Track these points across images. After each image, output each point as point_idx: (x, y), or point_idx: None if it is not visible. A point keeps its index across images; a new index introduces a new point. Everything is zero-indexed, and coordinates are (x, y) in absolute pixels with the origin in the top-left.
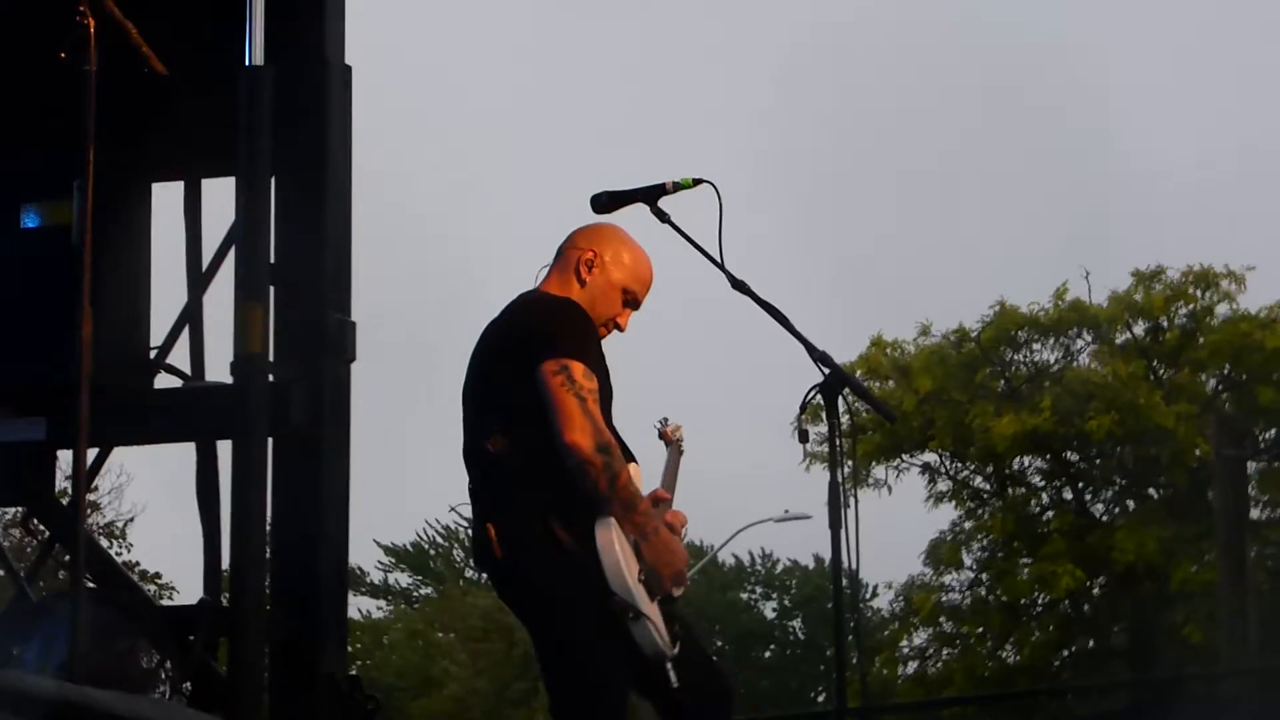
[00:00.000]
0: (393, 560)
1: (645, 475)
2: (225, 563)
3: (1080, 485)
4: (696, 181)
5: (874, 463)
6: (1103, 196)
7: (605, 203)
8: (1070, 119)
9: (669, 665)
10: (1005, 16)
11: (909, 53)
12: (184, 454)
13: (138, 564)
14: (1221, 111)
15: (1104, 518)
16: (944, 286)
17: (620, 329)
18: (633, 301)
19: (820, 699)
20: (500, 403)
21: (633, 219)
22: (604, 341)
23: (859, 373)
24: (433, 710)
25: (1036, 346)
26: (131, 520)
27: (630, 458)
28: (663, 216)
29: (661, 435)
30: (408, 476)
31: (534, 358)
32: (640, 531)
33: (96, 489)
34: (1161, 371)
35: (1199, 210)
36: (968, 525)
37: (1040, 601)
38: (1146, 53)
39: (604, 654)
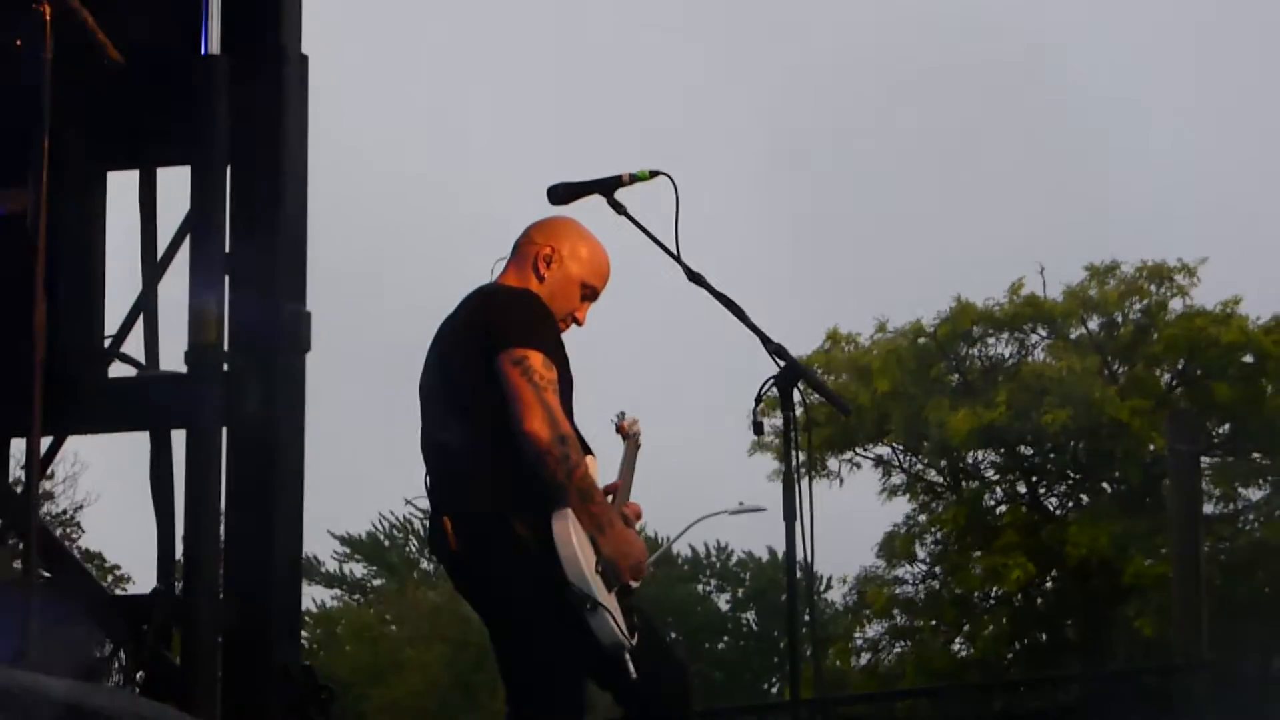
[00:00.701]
0: (348, 550)
1: (603, 469)
2: (179, 552)
3: (1034, 479)
4: (653, 173)
5: (828, 455)
6: (1057, 191)
7: (562, 194)
8: (1027, 114)
9: (627, 656)
10: (967, 14)
11: (869, 48)
12: (138, 443)
13: (98, 553)
14: (1176, 106)
15: (1058, 512)
16: (900, 282)
17: (579, 324)
18: (591, 295)
19: (774, 690)
20: (458, 395)
21: (589, 211)
22: (562, 334)
23: (817, 368)
24: (389, 701)
25: (992, 341)
26: (81, 508)
27: (588, 451)
28: (619, 208)
29: (619, 429)
30: (364, 467)
31: (493, 348)
32: (596, 524)
33: (51, 477)
34: (1116, 366)
35: (1152, 204)
36: (921, 518)
37: (993, 595)
38: (1104, 48)
39: (561, 646)
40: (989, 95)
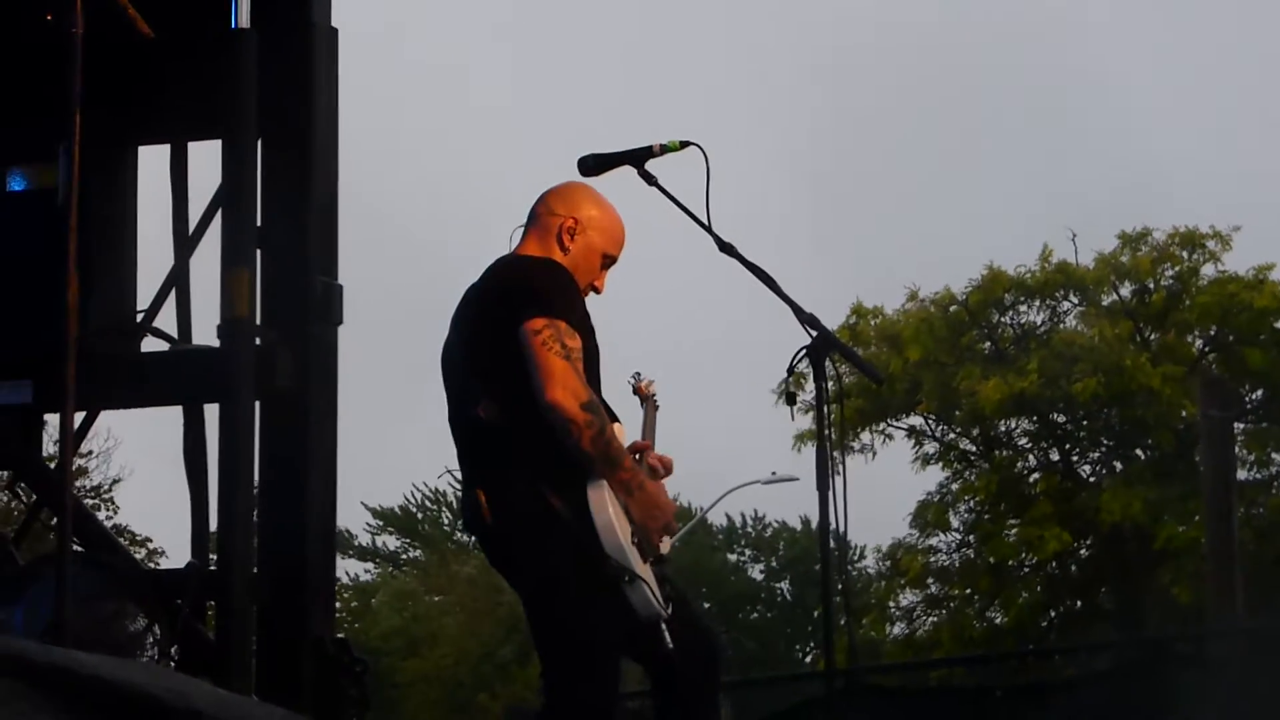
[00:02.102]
0: (381, 523)
1: (629, 436)
2: (213, 526)
3: (1067, 447)
4: (683, 144)
5: (860, 428)
6: (1089, 158)
7: (592, 165)
8: (1058, 82)
9: (663, 626)
10: None
11: (900, 16)
12: (171, 417)
13: (126, 527)
14: (1207, 72)
15: (1090, 479)
16: (931, 250)
17: (598, 291)
18: (610, 263)
19: (808, 659)
20: (486, 367)
21: (619, 182)
22: (589, 304)
23: (847, 341)
24: (422, 672)
25: (1023, 309)
26: (116, 481)
27: (614, 418)
28: (650, 179)
29: (636, 390)
30: (396, 439)
31: (517, 318)
32: (625, 487)
33: (86, 453)
34: (1148, 333)
35: (1185, 171)
36: (954, 487)
37: (1027, 563)
38: (1136, 15)
39: (596, 619)
40: (1020, 60)
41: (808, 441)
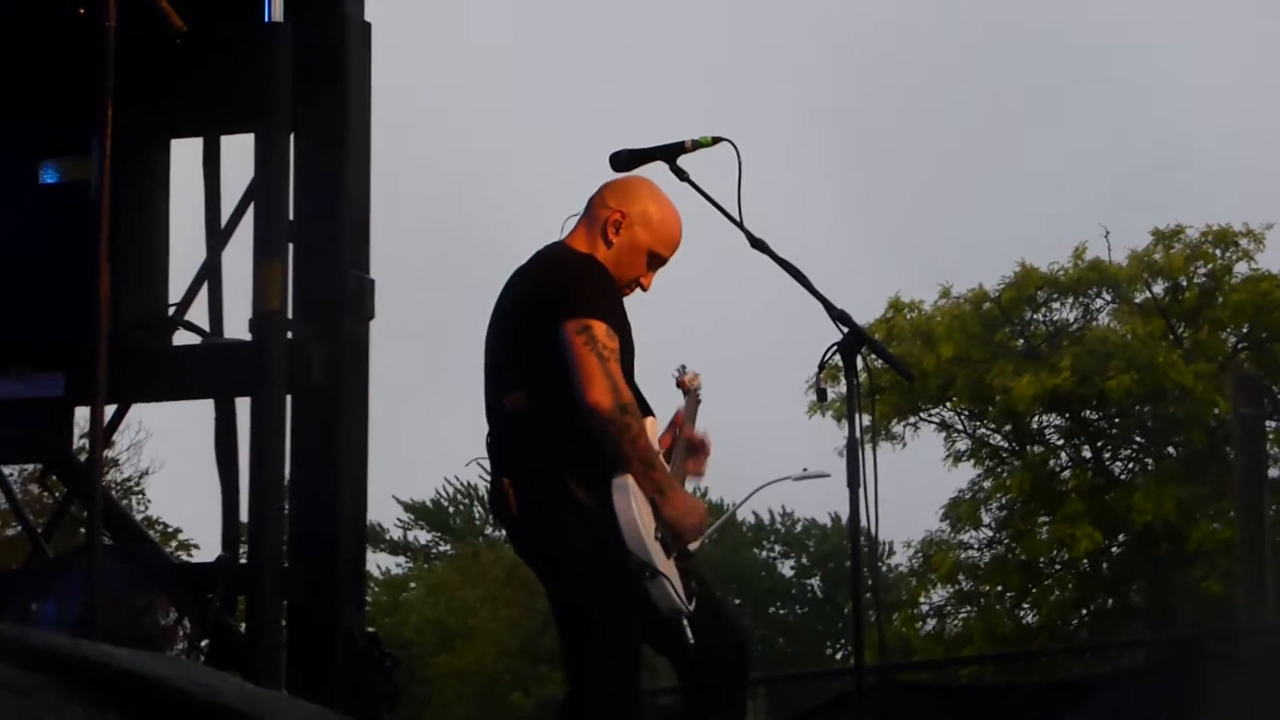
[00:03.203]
0: (412, 517)
1: (662, 428)
2: (244, 519)
3: (1099, 444)
4: (716, 140)
5: (891, 422)
6: (1124, 156)
7: (624, 161)
8: (1094, 79)
9: (685, 622)
10: None
11: (935, 12)
12: (203, 411)
13: (158, 520)
14: (1242, 71)
15: (1123, 476)
16: (964, 248)
17: (644, 289)
18: (658, 262)
19: (839, 656)
20: (519, 359)
21: (652, 177)
22: (626, 298)
23: (880, 335)
24: (455, 666)
25: (1056, 306)
26: (146, 474)
27: (648, 412)
28: (682, 175)
29: (679, 384)
30: (428, 433)
31: (557, 316)
32: (658, 488)
33: (114, 445)
34: (1181, 330)
35: (1219, 169)
36: (986, 484)
37: (1059, 560)
38: (1166, 11)
39: (619, 611)
40: (1057, 56)
41: (829, 412)
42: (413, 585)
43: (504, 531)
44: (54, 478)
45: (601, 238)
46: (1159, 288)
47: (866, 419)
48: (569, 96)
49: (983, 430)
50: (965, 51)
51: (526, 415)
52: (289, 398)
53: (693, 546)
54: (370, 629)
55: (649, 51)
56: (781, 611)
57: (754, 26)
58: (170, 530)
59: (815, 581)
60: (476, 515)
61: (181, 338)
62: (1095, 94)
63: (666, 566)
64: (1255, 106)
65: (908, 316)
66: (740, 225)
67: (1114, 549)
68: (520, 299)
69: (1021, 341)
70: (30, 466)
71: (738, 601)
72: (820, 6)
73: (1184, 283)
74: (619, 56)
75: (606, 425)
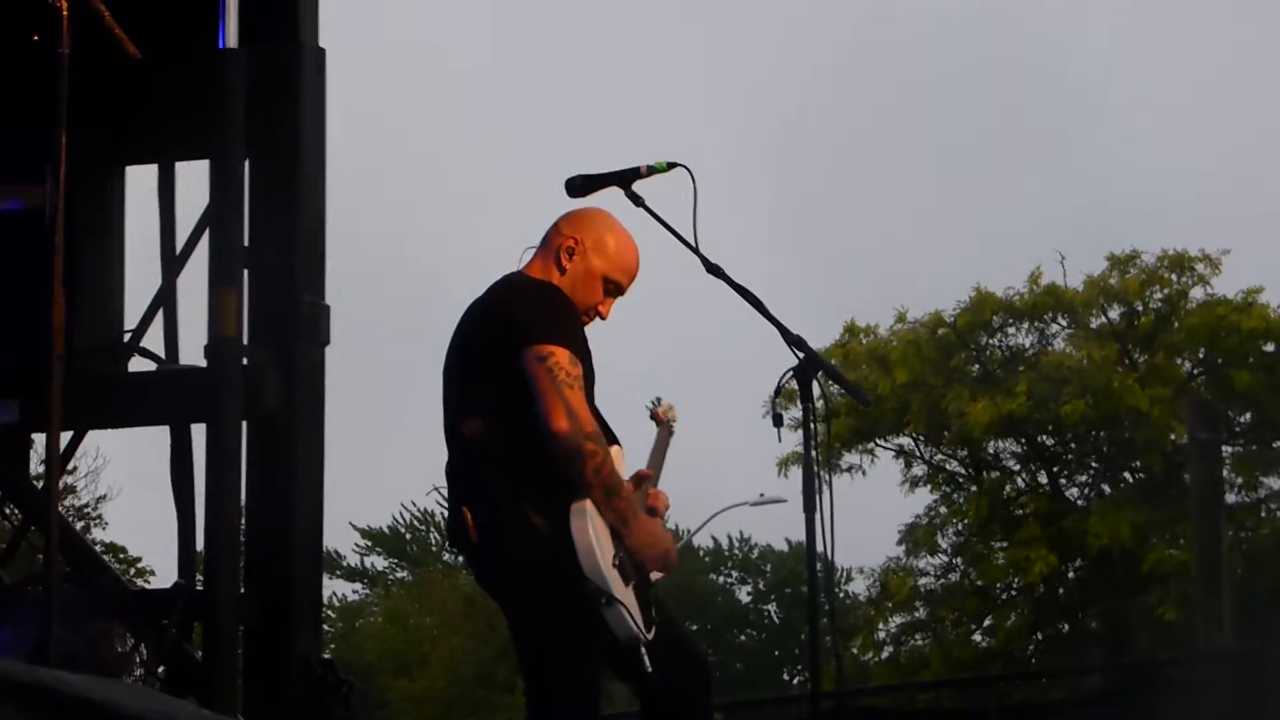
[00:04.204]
0: (369, 543)
1: (631, 455)
2: (200, 545)
3: (1055, 469)
4: (670, 165)
5: (847, 448)
6: (1080, 181)
7: (580, 186)
8: (1050, 106)
9: (643, 650)
10: (982, 9)
11: (885, 41)
12: (159, 437)
13: (121, 547)
14: (1198, 97)
15: (1079, 501)
16: (919, 273)
17: (602, 317)
18: (615, 290)
19: (796, 681)
20: (479, 387)
21: (607, 203)
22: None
23: (836, 361)
24: (412, 692)
25: (1012, 331)
26: (103, 499)
27: (613, 440)
28: (637, 200)
29: (653, 416)
30: (384, 459)
31: (517, 343)
32: (621, 518)
33: (72, 471)
34: (1136, 355)
35: (1175, 194)
36: (943, 510)
37: (1015, 585)
38: (1130, 40)
39: (577, 638)
40: (1013, 83)
41: (793, 464)
42: (371, 611)
43: (462, 559)
44: (10, 505)
45: (555, 264)
46: (1115, 313)
47: (822, 446)
48: (528, 121)
49: (939, 456)
50: (922, 77)
51: (485, 442)
52: (244, 424)
53: (655, 577)
54: (326, 655)
55: (603, 72)
56: (741, 638)
57: (704, 51)
58: (127, 557)
59: (772, 607)
60: (433, 541)
61: (137, 364)
62: (1052, 120)
63: (624, 594)
64: (1212, 130)
65: (863, 341)
66: (696, 250)
67: (1070, 574)
68: (479, 326)
69: (977, 367)
70: None
71: (694, 627)
72: (775, 33)
73: (1140, 308)
74: (576, 80)
75: (570, 453)
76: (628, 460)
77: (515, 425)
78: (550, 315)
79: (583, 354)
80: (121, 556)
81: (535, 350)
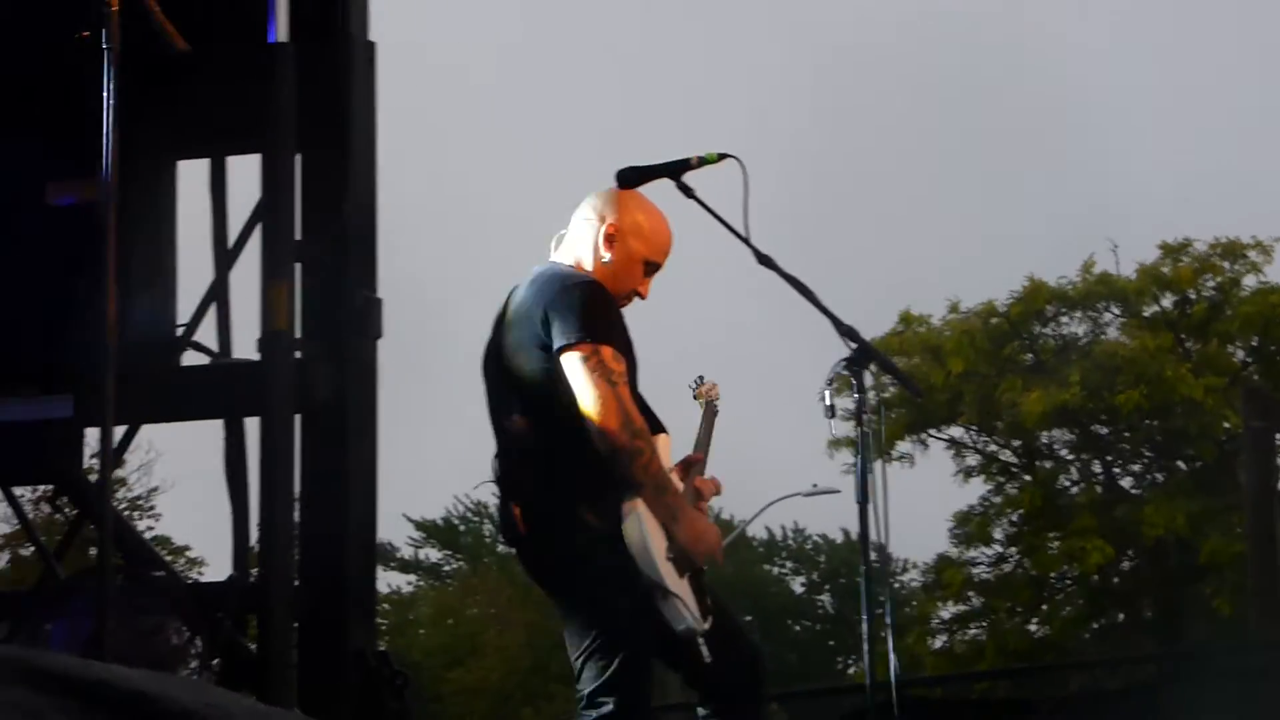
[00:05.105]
0: (423, 535)
1: (677, 439)
2: (254, 539)
3: (1108, 459)
4: (721, 156)
5: (900, 439)
6: (1131, 169)
7: (630, 178)
8: (1103, 92)
9: (700, 640)
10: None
11: (940, 29)
12: (213, 429)
13: (169, 539)
14: (1252, 81)
15: (1133, 491)
16: (972, 264)
17: (642, 297)
18: (654, 269)
19: (850, 672)
20: (523, 384)
21: (658, 194)
22: (630, 310)
23: (889, 350)
24: (466, 683)
25: (1065, 320)
26: (155, 492)
27: (660, 428)
28: (688, 191)
29: (696, 395)
30: (437, 451)
31: (560, 342)
32: (670, 513)
33: (124, 465)
34: (1189, 344)
35: (1226, 181)
36: (996, 500)
37: (1069, 575)
38: (1181, 25)
39: (628, 629)
40: (1063, 70)
41: (842, 447)
42: (425, 603)
43: (515, 552)
44: (64, 499)
45: (596, 253)
46: (1167, 301)
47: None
48: (572, 112)
49: (992, 446)
50: (972, 68)
51: (530, 438)
52: (297, 417)
53: (706, 567)
54: (380, 647)
55: (655, 65)
56: (795, 629)
57: (747, 42)
58: (179, 547)
59: (826, 597)
60: (486, 533)
61: (190, 358)
62: (1104, 107)
63: (679, 586)
64: (1266, 116)
65: (917, 331)
66: (747, 241)
67: (1124, 564)
68: (521, 323)
69: (1030, 356)
70: (42, 487)
71: (749, 618)
72: (815, 21)
73: (1192, 296)
74: (619, 70)
75: (618, 451)
76: (674, 444)
77: (561, 422)
78: (592, 312)
79: (624, 346)
80: (171, 546)
81: (579, 349)
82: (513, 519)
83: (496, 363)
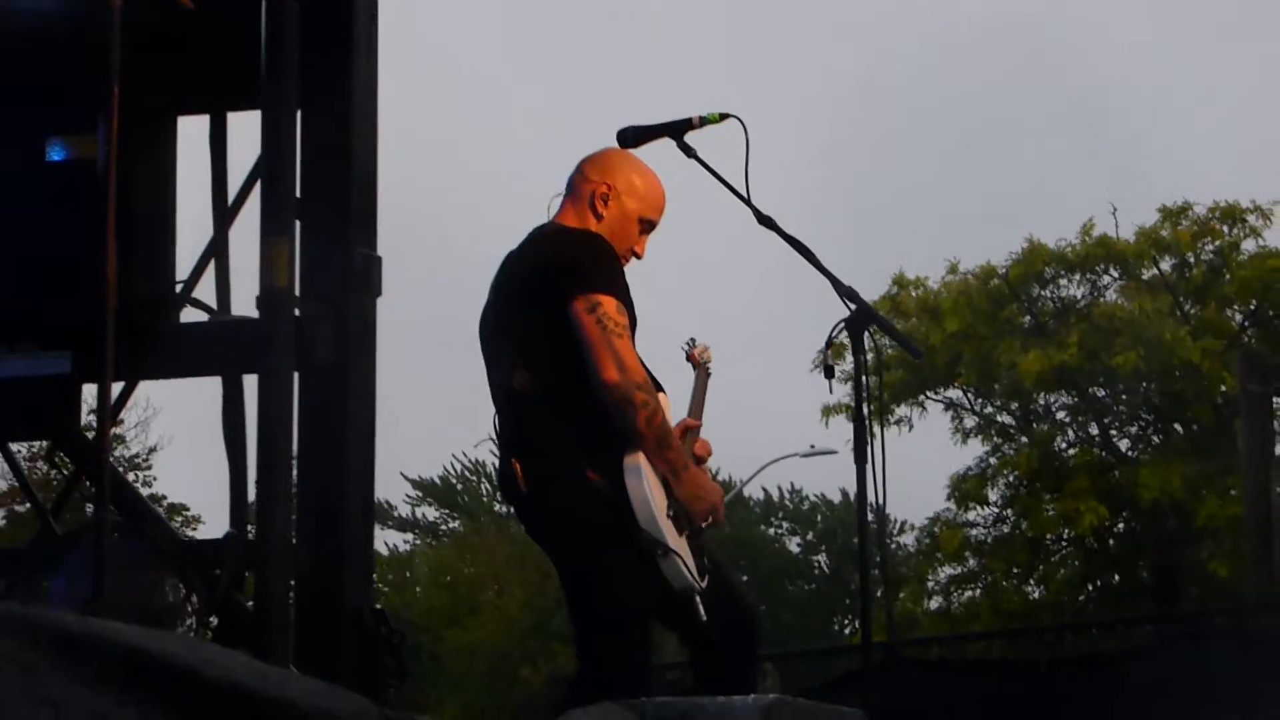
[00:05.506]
0: (420, 494)
1: (674, 401)
2: (252, 496)
3: (1106, 421)
4: (723, 116)
5: (897, 401)
6: (1131, 131)
7: (631, 138)
8: (1101, 54)
9: (697, 599)
10: None
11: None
12: (210, 387)
13: (164, 496)
14: (1250, 48)
15: (1130, 453)
16: (970, 225)
17: (638, 256)
18: (649, 228)
19: (846, 632)
20: (523, 338)
21: (659, 154)
22: (627, 271)
23: (885, 312)
24: (465, 642)
25: (1063, 283)
26: (154, 450)
27: (659, 388)
28: (689, 151)
29: (689, 357)
30: (435, 410)
31: (563, 294)
32: (672, 469)
33: (122, 422)
34: (1188, 307)
35: (1226, 145)
36: (993, 461)
37: (1065, 537)
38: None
39: (627, 587)
40: (1062, 32)
41: (836, 414)
42: (422, 562)
43: (513, 510)
44: (62, 455)
45: (591, 212)
46: (1166, 264)
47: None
48: (582, 65)
49: (989, 408)
50: (973, 28)
51: (534, 395)
52: (296, 375)
53: (705, 526)
54: (378, 606)
55: (655, 23)
56: (791, 589)
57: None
58: (175, 505)
59: (822, 558)
60: (484, 491)
61: (189, 315)
62: (1103, 68)
63: (679, 544)
64: (1266, 82)
65: (913, 294)
66: (748, 202)
67: (1119, 526)
68: (521, 279)
69: (1028, 318)
70: (38, 444)
71: (745, 578)
72: None
73: (1191, 259)
74: (619, 31)
75: (621, 403)
76: (672, 409)
77: (564, 377)
78: (595, 264)
79: (627, 302)
80: (169, 505)
81: (583, 300)
82: (513, 476)
83: (497, 320)
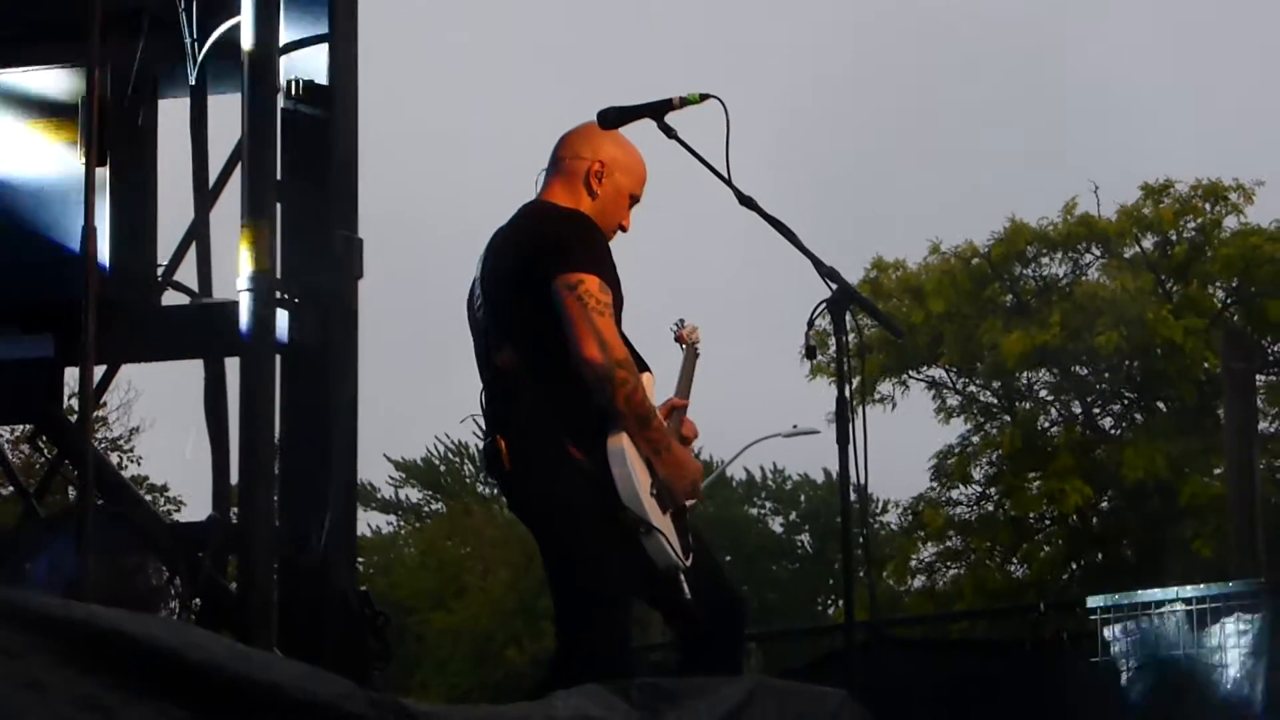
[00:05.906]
0: (403, 475)
1: (660, 380)
2: (234, 479)
3: (1088, 400)
4: (704, 97)
5: (880, 381)
6: (1109, 111)
7: (612, 118)
8: (1083, 35)
9: (682, 577)
10: None
11: None
12: (193, 369)
13: (146, 478)
14: (1231, 26)
15: (1113, 432)
16: (952, 205)
17: (624, 230)
18: (635, 201)
19: (829, 612)
20: (511, 317)
21: (639, 135)
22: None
23: (867, 293)
24: (450, 623)
25: (1045, 261)
26: (136, 432)
27: (644, 367)
28: (669, 132)
29: (677, 338)
30: (418, 391)
31: (548, 272)
32: (654, 447)
33: (104, 405)
34: (1170, 285)
35: (1206, 124)
36: (976, 440)
37: (1049, 516)
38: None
39: (610, 566)
40: (1044, 14)
41: (821, 375)
42: (405, 544)
43: (497, 489)
44: (44, 438)
45: (585, 189)
46: (1148, 243)
47: (856, 378)
48: (562, 48)
49: (972, 387)
50: (954, 9)
51: (520, 372)
52: (278, 357)
53: (688, 504)
54: (362, 587)
55: (636, 7)
56: (774, 569)
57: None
58: (158, 486)
59: (805, 538)
60: (467, 473)
61: (170, 298)
62: (1084, 48)
63: (662, 522)
64: (1247, 62)
65: (893, 276)
66: (729, 182)
67: (1103, 505)
68: (507, 257)
69: (1011, 297)
70: (21, 427)
71: (728, 558)
72: None
73: (1173, 237)
74: (605, 12)
75: (603, 381)
76: (656, 386)
77: (548, 355)
78: (579, 242)
79: (613, 281)
80: (151, 486)
81: (565, 278)
82: (498, 453)
83: (484, 298)
